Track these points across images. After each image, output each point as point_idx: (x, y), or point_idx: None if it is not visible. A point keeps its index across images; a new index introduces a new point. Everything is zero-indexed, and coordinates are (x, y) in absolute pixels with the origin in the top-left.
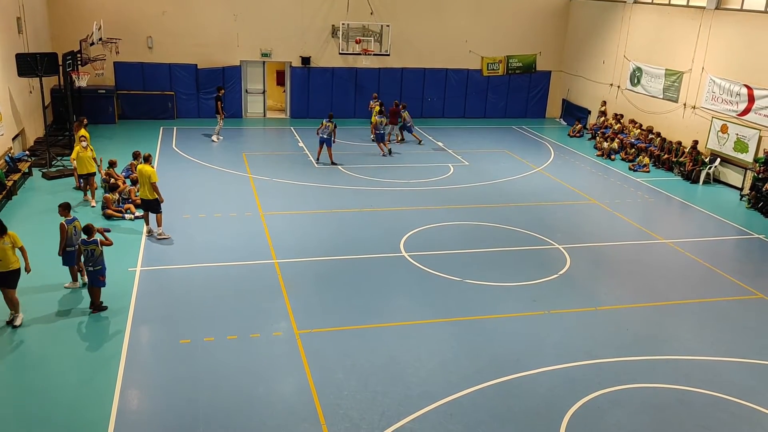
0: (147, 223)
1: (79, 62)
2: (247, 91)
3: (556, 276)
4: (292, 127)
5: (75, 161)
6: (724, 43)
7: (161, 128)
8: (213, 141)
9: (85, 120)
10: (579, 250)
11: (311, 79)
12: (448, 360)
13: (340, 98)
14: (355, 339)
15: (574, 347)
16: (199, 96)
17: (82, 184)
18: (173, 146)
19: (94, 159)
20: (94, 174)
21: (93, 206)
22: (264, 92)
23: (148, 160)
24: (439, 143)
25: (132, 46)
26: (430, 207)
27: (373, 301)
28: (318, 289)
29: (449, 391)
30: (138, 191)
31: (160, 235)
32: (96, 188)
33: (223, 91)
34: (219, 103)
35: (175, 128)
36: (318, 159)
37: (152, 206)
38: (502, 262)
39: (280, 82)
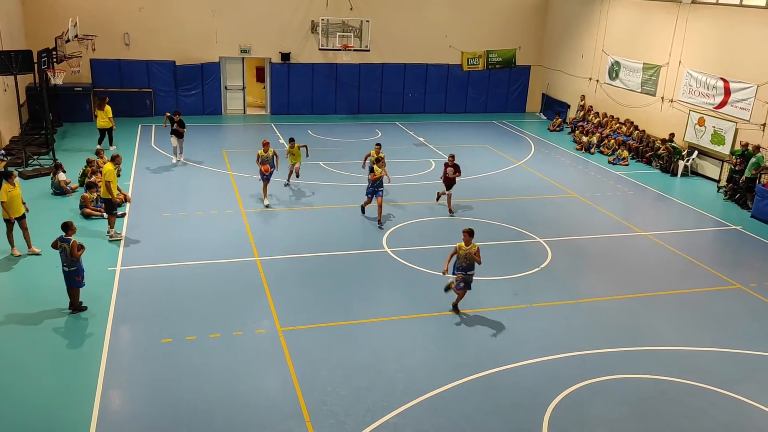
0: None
1: (54, 60)
2: (226, 87)
3: (537, 269)
4: (272, 124)
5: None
6: (701, 37)
7: (140, 126)
8: (175, 162)
9: (107, 98)
10: (560, 243)
11: (291, 76)
12: (431, 355)
13: (320, 94)
14: (338, 335)
15: (556, 340)
16: (178, 93)
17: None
18: (152, 144)
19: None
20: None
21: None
22: (243, 89)
23: (114, 159)
24: (420, 139)
25: (108, 43)
26: (412, 202)
27: (357, 298)
28: (301, 286)
29: (433, 385)
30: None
31: (112, 236)
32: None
33: (179, 116)
34: (181, 129)
35: (153, 126)
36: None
37: (107, 206)
38: (484, 257)
39: (260, 78)
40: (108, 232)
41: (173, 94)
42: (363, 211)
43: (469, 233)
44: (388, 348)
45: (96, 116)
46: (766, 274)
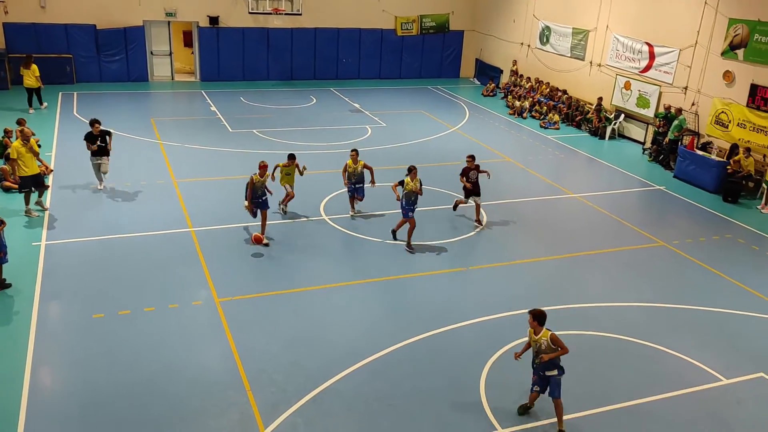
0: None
1: None
2: (152, 53)
3: (473, 233)
4: (202, 91)
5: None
6: (627, 3)
7: (60, 94)
8: (100, 188)
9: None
10: (495, 207)
11: (221, 40)
12: (371, 319)
13: (252, 60)
14: (277, 304)
15: (492, 300)
16: (100, 59)
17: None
18: (74, 113)
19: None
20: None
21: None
22: (170, 54)
23: (23, 132)
24: (356, 105)
25: (22, 6)
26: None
27: (295, 266)
28: (237, 256)
29: (374, 350)
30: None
31: (30, 214)
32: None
33: (99, 127)
34: (107, 138)
35: (75, 93)
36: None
37: (20, 183)
38: (421, 222)
39: (188, 43)
40: (26, 212)
41: (95, 60)
42: (395, 237)
43: (535, 316)
44: (327, 315)
45: (22, 76)
46: (688, 231)
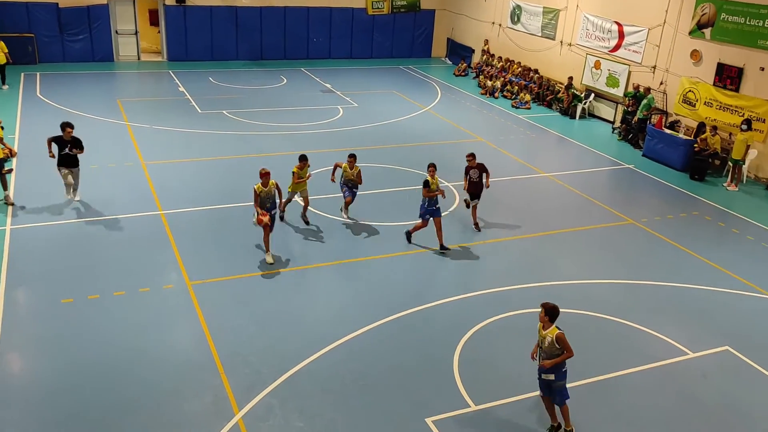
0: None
1: None
2: (117, 32)
3: (446, 213)
4: (170, 71)
5: None
6: None
7: (22, 74)
8: (70, 198)
9: None
10: None
11: (188, 19)
12: (344, 301)
13: (220, 39)
14: (249, 287)
15: (465, 280)
16: (63, 38)
17: None
18: (37, 94)
19: None
20: None
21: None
22: (136, 33)
23: None
24: (327, 85)
25: None
26: (320, 150)
27: None
28: (209, 238)
29: (348, 330)
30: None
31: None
32: None
33: (71, 131)
34: (76, 150)
35: (38, 74)
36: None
37: None
38: (394, 202)
39: (154, 21)
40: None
41: (58, 40)
42: (409, 240)
43: (547, 311)
44: (301, 297)
45: None
46: (656, 209)
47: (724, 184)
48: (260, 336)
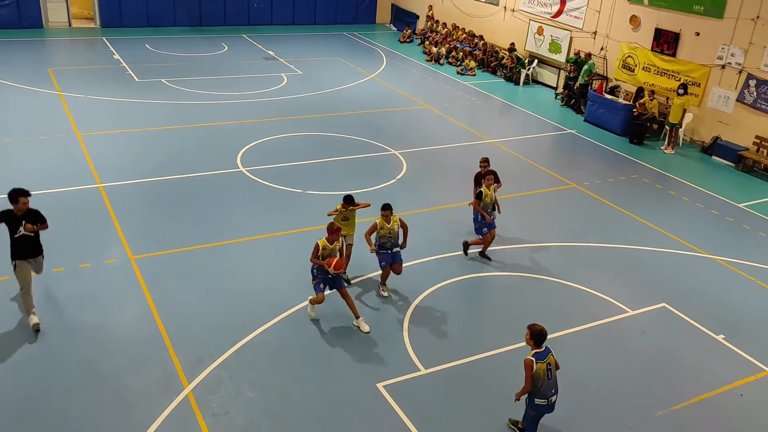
0: None
1: None
2: None
3: (394, 181)
4: (104, 38)
5: None
6: None
7: None
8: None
9: None
10: (414, 154)
11: None
12: (294, 271)
13: (157, 4)
14: (196, 260)
15: (414, 247)
16: None
17: None
18: None
19: None
20: None
21: None
22: None
23: None
24: (270, 52)
25: None
26: (265, 119)
27: (213, 220)
28: (151, 211)
29: (297, 300)
30: None
31: None
32: None
33: (27, 201)
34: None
35: None
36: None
37: None
38: (341, 171)
39: None
40: None
41: None
42: (466, 252)
43: (532, 335)
44: (249, 268)
45: None
46: (597, 173)
47: (662, 148)
48: (207, 309)
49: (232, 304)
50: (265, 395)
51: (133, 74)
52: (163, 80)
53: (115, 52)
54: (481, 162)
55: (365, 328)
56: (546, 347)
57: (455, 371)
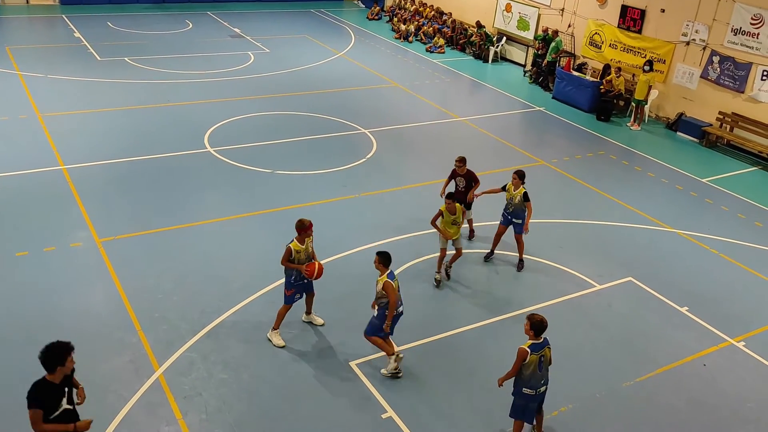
0: None
1: None
2: None
3: (364, 160)
4: (63, 15)
5: None
6: None
7: None
8: None
9: None
10: (384, 132)
11: None
12: (264, 251)
13: None
14: (164, 241)
15: (384, 225)
16: None
17: None
18: None
19: None
20: None
21: None
22: None
23: None
24: (236, 30)
25: None
26: (233, 98)
27: (181, 201)
28: (117, 193)
29: (268, 280)
30: None
31: None
32: None
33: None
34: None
35: None
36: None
37: None
38: (310, 151)
39: None
40: None
41: None
42: (488, 258)
43: (532, 325)
44: (218, 249)
45: None
46: (565, 149)
47: (628, 124)
48: (177, 291)
49: (202, 286)
50: (237, 376)
51: (95, 53)
52: (126, 59)
53: (75, 30)
54: (456, 161)
55: (318, 321)
56: (545, 339)
57: (420, 349)
